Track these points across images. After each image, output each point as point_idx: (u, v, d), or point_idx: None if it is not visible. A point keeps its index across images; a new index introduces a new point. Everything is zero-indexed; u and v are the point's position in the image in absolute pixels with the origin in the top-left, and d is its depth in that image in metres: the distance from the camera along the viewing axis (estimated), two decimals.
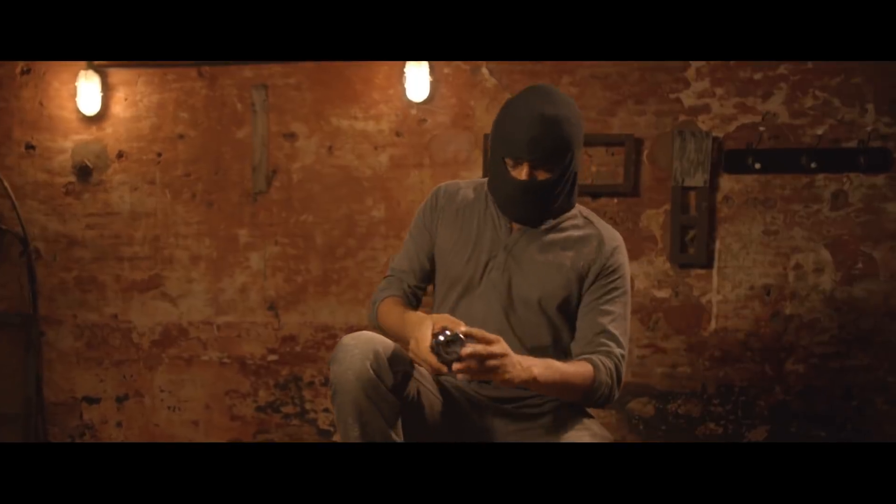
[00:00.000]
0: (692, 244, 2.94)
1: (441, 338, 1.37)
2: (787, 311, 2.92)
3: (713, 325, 2.96)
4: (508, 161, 1.57)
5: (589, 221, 1.69)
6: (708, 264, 2.94)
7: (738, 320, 2.94)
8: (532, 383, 1.42)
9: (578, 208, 1.71)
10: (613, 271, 1.62)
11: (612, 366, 1.55)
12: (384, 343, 1.46)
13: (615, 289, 1.61)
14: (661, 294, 2.98)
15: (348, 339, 1.45)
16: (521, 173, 1.56)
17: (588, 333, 1.59)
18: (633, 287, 2.97)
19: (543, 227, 1.65)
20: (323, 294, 3.16)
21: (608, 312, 1.59)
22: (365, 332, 1.49)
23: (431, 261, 1.74)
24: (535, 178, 1.56)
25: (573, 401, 1.57)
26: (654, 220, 2.98)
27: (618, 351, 1.57)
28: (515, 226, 1.66)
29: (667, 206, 2.96)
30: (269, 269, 3.19)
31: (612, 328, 1.58)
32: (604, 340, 1.57)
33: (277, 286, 3.18)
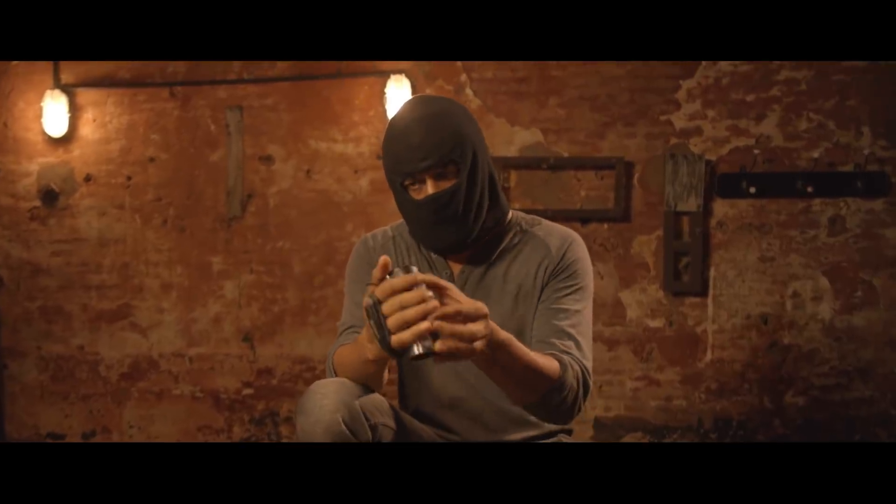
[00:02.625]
0: (686, 271, 2.83)
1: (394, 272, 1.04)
2: (785, 340, 2.81)
3: (709, 355, 2.84)
4: (408, 184, 1.41)
5: (528, 230, 1.51)
6: (702, 292, 2.83)
7: (734, 350, 2.83)
8: (501, 349, 1.18)
9: (516, 216, 1.54)
10: (568, 266, 1.46)
11: (578, 370, 1.35)
12: (358, 392, 1.30)
13: (571, 285, 1.45)
14: (655, 324, 2.86)
15: (317, 388, 1.28)
16: (426, 188, 1.39)
17: (543, 335, 1.41)
18: (624, 316, 2.86)
19: (482, 264, 1.48)
20: (301, 324, 3.01)
21: (563, 310, 1.42)
22: (336, 379, 1.33)
23: None
24: (442, 188, 1.39)
25: (531, 399, 1.33)
26: (647, 246, 2.87)
27: (579, 356, 1.37)
28: (455, 270, 1.50)
29: (659, 232, 2.85)
30: (244, 298, 3.04)
31: (569, 329, 1.40)
32: (559, 342, 1.38)
33: (253, 316, 3.04)
